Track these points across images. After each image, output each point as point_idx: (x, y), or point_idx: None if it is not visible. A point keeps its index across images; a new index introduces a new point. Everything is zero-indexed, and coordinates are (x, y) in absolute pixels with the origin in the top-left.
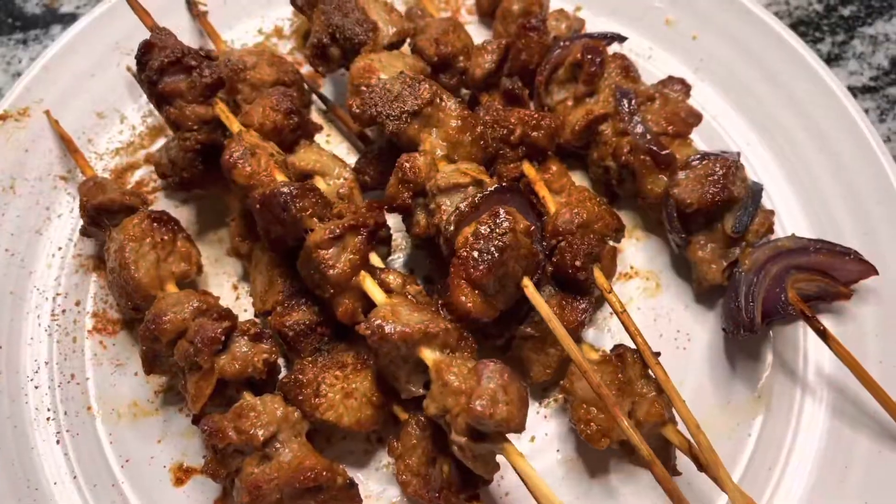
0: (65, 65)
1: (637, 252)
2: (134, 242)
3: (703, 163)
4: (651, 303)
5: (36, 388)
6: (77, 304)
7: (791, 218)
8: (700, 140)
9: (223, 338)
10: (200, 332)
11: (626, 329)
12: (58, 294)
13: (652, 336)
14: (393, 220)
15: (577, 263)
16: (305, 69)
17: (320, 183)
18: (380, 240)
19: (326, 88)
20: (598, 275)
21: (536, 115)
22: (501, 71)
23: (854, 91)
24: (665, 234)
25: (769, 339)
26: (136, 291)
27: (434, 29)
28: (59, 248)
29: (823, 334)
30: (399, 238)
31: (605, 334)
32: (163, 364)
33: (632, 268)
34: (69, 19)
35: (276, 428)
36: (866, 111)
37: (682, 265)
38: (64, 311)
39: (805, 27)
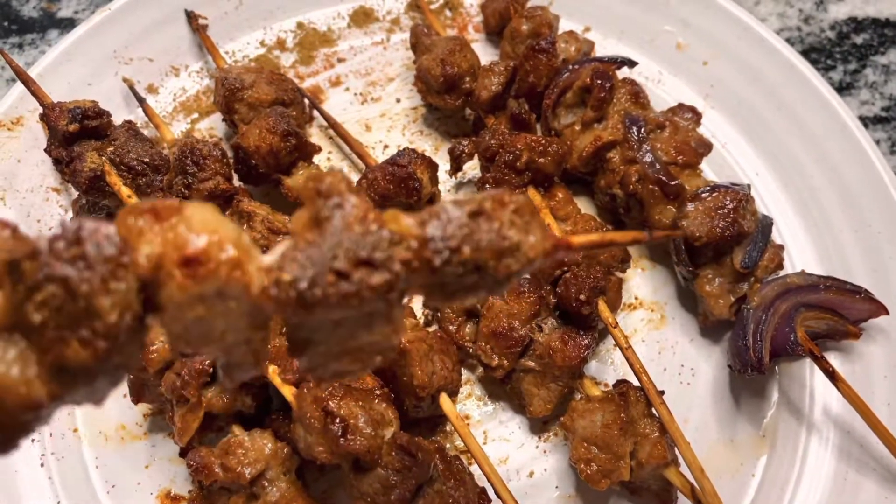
0: (61, 73)
1: (642, 282)
2: None
3: (713, 195)
4: (655, 335)
5: None
6: None
7: (800, 252)
8: (709, 169)
9: (211, 370)
10: (188, 364)
11: (631, 366)
12: None
13: (656, 370)
14: None
15: (582, 297)
16: (307, 83)
17: None
18: None
19: (329, 104)
20: (603, 308)
21: (543, 141)
22: (508, 93)
23: (865, 121)
24: (671, 264)
25: (775, 376)
26: None
27: (440, 48)
28: None
29: (832, 375)
30: None
31: (608, 367)
32: (151, 393)
33: (636, 298)
34: (67, 24)
35: (265, 465)
36: (878, 142)
37: (687, 297)
38: None
39: (817, 54)
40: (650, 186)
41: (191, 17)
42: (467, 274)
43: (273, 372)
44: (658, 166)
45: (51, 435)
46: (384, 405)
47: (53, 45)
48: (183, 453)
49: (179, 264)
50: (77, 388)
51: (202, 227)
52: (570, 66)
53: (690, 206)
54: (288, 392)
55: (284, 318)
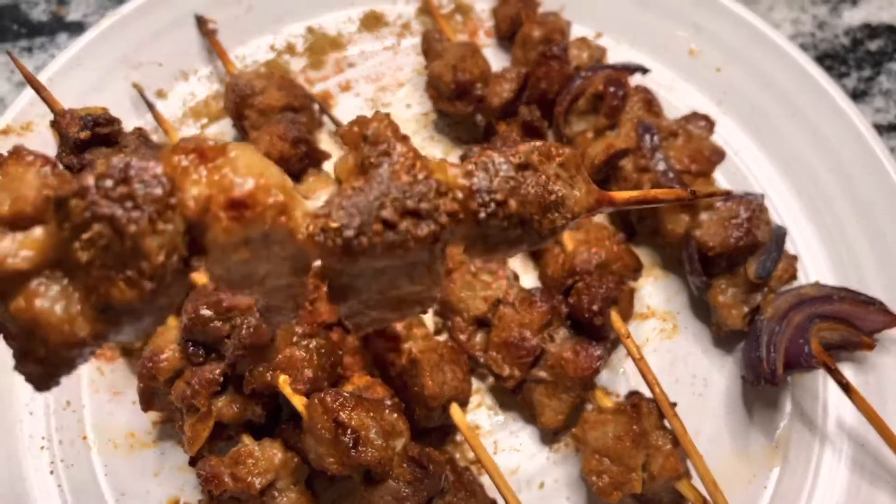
0: (70, 78)
1: (655, 291)
2: None
3: (727, 204)
4: (668, 345)
5: (31, 414)
6: None
7: (815, 262)
8: (722, 177)
9: (221, 379)
10: (198, 374)
11: (644, 377)
12: None
13: (668, 380)
14: None
15: (595, 308)
16: (317, 88)
17: None
18: None
19: (339, 109)
20: (616, 318)
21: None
22: (520, 99)
23: (880, 129)
24: (684, 273)
25: (788, 387)
26: None
27: (452, 55)
28: None
29: (846, 388)
30: None
31: (620, 377)
32: (161, 401)
33: (648, 307)
34: (76, 28)
35: (275, 475)
36: (892, 150)
37: (700, 306)
38: None
39: (831, 61)
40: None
41: (200, 21)
42: (511, 228)
43: (284, 381)
44: (671, 175)
45: (60, 442)
46: (395, 415)
47: (63, 50)
48: (192, 462)
49: (226, 207)
50: (121, 327)
51: (248, 171)
52: (583, 73)
53: (704, 216)
54: (298, 402)
55: (327, 265)
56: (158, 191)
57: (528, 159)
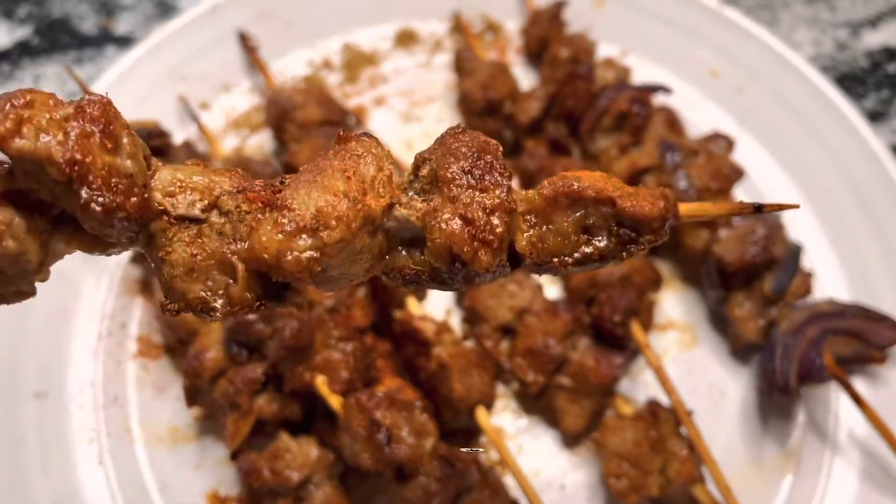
0: (121, 89)
1: (674, 304)
2: None
3: (745, 221)
4: (686, 356)
5: (81, 408)
6: (122, 326)
7: (830, 278)
8: (742, 194)
9: (263, 378)
10: (241, 373)
11: (662, 385)
12: (104, 316)
13: (685, 390)
14: None
15: (616, 319)
16: (352, 102)
17: None
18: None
19: (373, 123)
20: (636, 329)
21: (581, 166)
22: (547, 116)
23: None
24: (702, 286)
25: (801, 398)
26: (181, 326)
27: (482, 73)
28: (108, 271)
29: (858, 400)
30: None
31: (639, 385)
32: (204, 398)
33: (668, 319)
34: (123, 41)
35: (311, 470)
36: None
37: (718, 318)
38: (110, 333)
39: (850, 82)
40: None
41: (243, 38)
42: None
43: (321, 381)
44: (692, 193)
45: (108, 435)
46: (425, 416)
47: (115, 64)
48: (233, 456)
49: None
50: None
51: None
52: (608, 92)
53: (723, 233)
54: (335, 401)
55: None
56: None
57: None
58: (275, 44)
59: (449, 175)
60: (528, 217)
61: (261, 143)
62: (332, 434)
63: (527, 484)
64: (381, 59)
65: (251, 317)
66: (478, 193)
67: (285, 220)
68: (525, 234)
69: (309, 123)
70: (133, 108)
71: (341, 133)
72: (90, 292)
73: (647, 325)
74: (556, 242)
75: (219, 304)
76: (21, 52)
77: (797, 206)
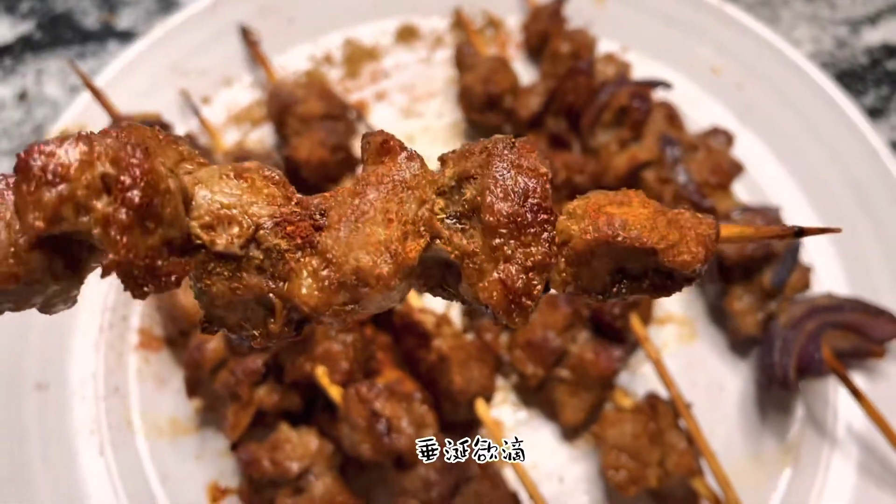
0: (123, 83)
1: (673, 298)
2: None
3: (744, 216)
4: (685, 349)
5: (82, 399)
6: (124, 319)
7: (829, 272)
8: (741, 189)
9: (263, 370)
10: (242, 364)
11: (661, 378)
12: (106, 308)
13: (685, 383)
14: None
15: (616, 312)
16: (354, 97)
17: None
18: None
19: (374, 117)
20: (636, 322)
21: (581, 160)
22: (547, 111)
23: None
24: (701, 280)
25: (800, 391)
26: (182, 318)
27: (483, 68)
28: None
29: (856, 394)
30: None
31: (638, 378)
32: (205, 389)
33: (668, 313)
34: (125, 36)
35: (311, 461)
36: None
37: (717, 313)
38: (111, 325)
39: (849, 79)
40: (683, 206)
41: (245, 32)
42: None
43: (322, 372)
44: (692, 187)
45: (109, 426)
46: (424, 408)
47: (117, 58)
48: (234, 447)
49: None
50: None
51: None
52: (608, 88)
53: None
54: (336, 392)
55: None
56: None
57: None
58: (276, 38)
59: (492, 221)
60: (565, 253)
61: (262, 137)
62: (332, 425)
63: (525, 476)
64: (383, 54)
65: None
66: (520, 249)
67: (325, 273)
68: (560, 274)
69: (310, 118)
70: (134, 102)
71: (383, 142)
72: (92, 284)
73: (647, 318)
74: (590, 281)
75: (256, 333)
76: (23, 47)
77: (839, 231)
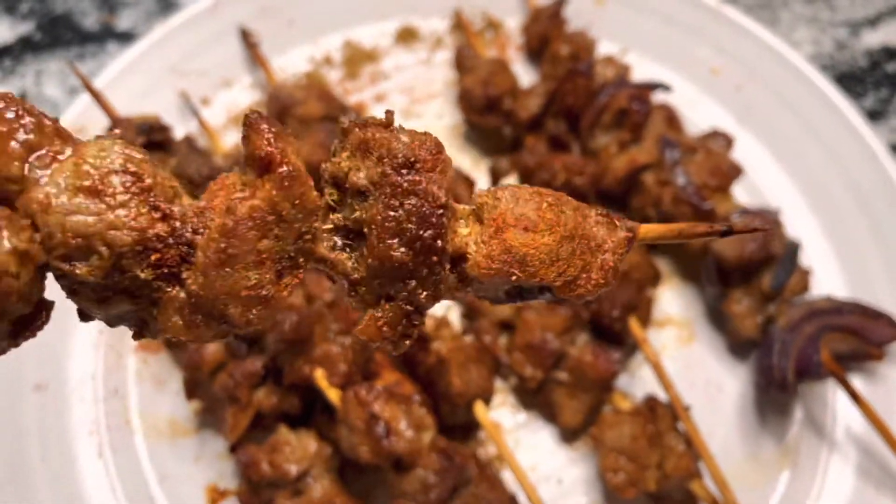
0: (122, 85)
1: (673, 299)
2: None
3: (743, 219)
4: (684, 352)
5: (81, 400)
6: None
7: (828, 275)
8: (741, 191)
9: (262, 372)
10: (241, 366)
11: (660, 380)
12: None
13: (683, 385)
14: None
15: (615, 314)
16: (353, 98)
17: None
18: None
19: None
20: (634, 325)
21: (580, 162)
22: (547, 113)
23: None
24: (700, 282)
25: (799, 394)
26: None
27: (482, 70)
28: None
29: (855, 398)
30: None
31: (637, 381)
32: (204, 391)
33: (666, 315)
34: (125, 38)
35: (309, 464)
36: None
37: (716, 315)
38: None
39: (849, 81)
40: (683, 209)
41: (244, 34)
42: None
43: (320, 375)
44: (691, 189)
45: (108, 427)
46: (423, 410)
47: (117, 59)
48: (233, 449)
49: None
50: None
51: None
52: (608, 90)
53: None
54: (334, 394)
55: None
56: None
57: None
58: (276, 40)
59: (376, 264)
60: (458, 270)
61: None
62: (330, 427)
63: (524, 478)
64: (382, 55)
65: None
66: (404, 292)
67: (192, 311)
68: (450, 291)
69: (310, 119)
70: (133, 104)
71: (267, 156)
72: None
73: (646, 321)
74: (483, 293)
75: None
76: (23, 48)
77: (766, 230)
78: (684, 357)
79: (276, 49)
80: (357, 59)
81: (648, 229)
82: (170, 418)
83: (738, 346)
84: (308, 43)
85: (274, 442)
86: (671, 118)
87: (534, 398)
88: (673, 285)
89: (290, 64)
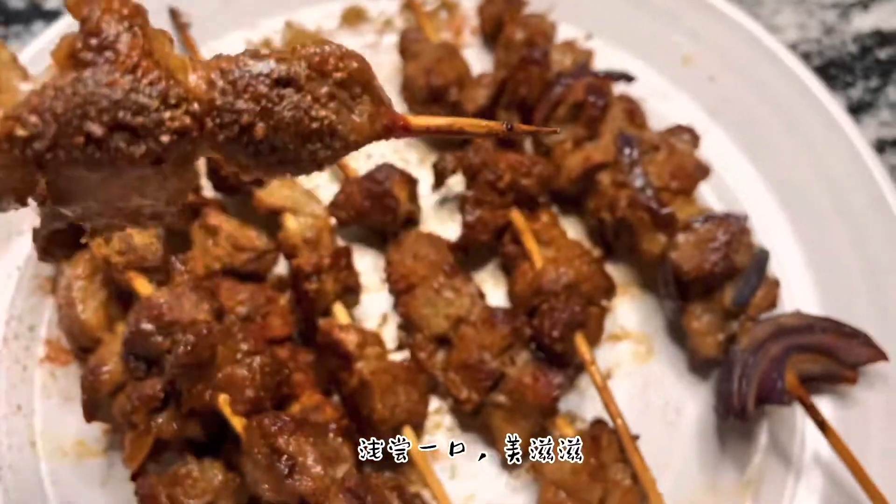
0: (45, 64)
1: (630, 311)
2: (84, 280)
3: (706, 226)
4: (641, 369)
5: None
6: (31, 329)
7: (800, 288)
8: (710, 191)
9: (162, 395)
10: (138, 389)
11: (606, 408)
12: (11, 317)
13: (638, 407)
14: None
15: (555, 334)
16: None
17: (290, 221)
18: (346, 288)
19: None
20: (581, 343)
21: (527, 162)
22: (498, 105)
23: (884, 144)
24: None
25: (764, 418)
26: (81, 334)
27: (427, 56)
28: (18, 268)
29: (822, 426)
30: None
31: (588, 401)
32: (105, 412)
33: (622, 328)
34: (52, 16)
35: (213, 497)
36: (895, 167)
37: (677, 329)
38: (16, 335)
39: (836, 69)
40: (639, 213)
41: (174, 14)
42: (264, 154)
43: (224, 401)
44: (649, 192)
45: (9, 447)
46: (339, 440)
47: (37, 38)
48: (134, 477)
49: None
50: None
51: None
52: (564, 80)
53: (681, 237)
54: (238, 423)
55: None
56: None
57: (291, 74)
58: (210, 21)
59: None
60: None
61: None
62: (239, 457)
63: None
64: (326, 38)
65: (148, 328)
66: None
67: None
68: None
69: None
70: None
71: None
72: None
73: (596, 337)
74: None
75: None
76: None
77: (556, 132)
78: (642, 375)
79: (210, 32)
80: (299, 42)
81: (419, 119)
82: (76, 438)
83: (700, 365)
84: (245, 26)
85: (174, 474)
86: (633, 112)
87: (473, 419)
88: (632, 295)
89: (224, 48)
